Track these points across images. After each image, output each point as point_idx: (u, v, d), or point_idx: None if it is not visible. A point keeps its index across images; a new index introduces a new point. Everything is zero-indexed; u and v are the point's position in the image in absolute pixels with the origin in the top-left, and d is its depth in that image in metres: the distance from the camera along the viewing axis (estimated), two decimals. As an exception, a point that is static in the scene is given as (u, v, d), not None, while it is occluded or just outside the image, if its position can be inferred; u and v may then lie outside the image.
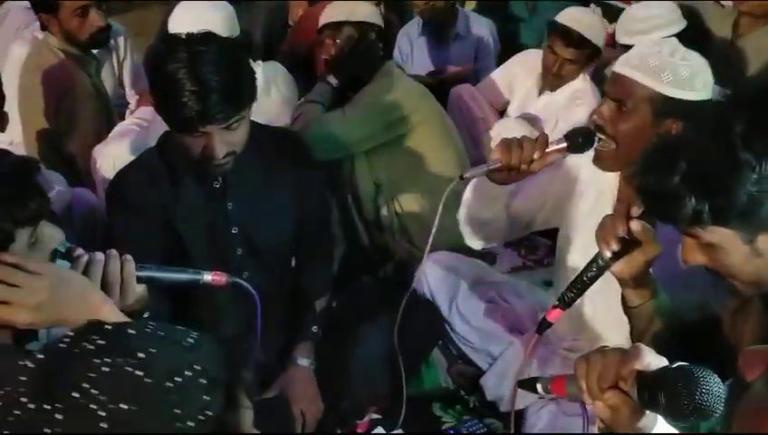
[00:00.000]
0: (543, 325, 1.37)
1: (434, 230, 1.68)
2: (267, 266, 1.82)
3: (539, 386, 1.15)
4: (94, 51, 2.76)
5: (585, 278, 1.34)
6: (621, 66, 1.61)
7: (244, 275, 1.77)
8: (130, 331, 0.78)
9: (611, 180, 1.75)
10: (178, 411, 0.71)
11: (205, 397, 0.73)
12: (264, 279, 1.80)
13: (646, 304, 1.35)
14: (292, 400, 1.83)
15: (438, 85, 3.26)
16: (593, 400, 1.03)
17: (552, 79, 2.94)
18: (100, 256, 1.19)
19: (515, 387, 1.26)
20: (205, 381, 0.74)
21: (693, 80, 1.55)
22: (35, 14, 2.70)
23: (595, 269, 1.33)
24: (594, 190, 1.79)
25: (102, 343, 0.76)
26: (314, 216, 1.95)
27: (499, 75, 3.27)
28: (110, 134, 2.52)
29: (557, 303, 1.35)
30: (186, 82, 1.52)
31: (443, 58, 3.65)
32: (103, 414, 0.70)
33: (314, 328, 1.89)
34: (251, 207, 1.77)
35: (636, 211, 1.28)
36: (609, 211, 1.72)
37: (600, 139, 1.61)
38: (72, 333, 0.81)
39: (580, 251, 1.81)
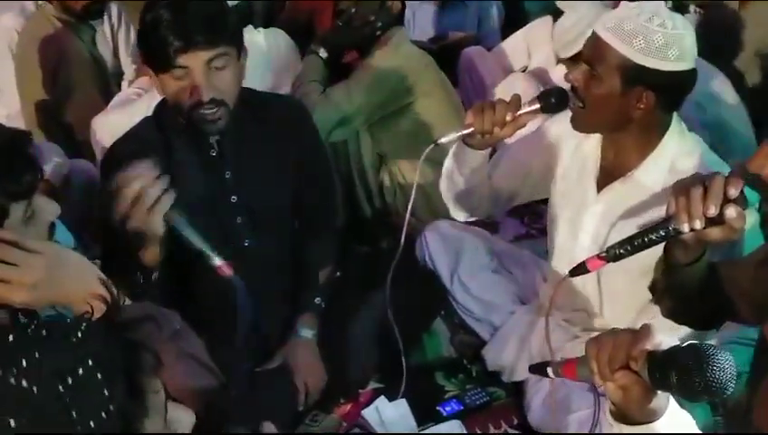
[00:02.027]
0: (580, 270, 1.32)
1: (413, 194, 1.73)
2: (268, 235, 1.81)
3: (549, 370, 1.14)
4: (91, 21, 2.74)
5: (645, 240, 1.24)
6: (599, 27, 1.56)
7: (245, 244, 1.77)
8: (10, 337, 0.72)
9: (594, 149, 1.72)
10: (76, 414, 0.67)
11: (104, 392, 0.69)
12: (266, 248, 1.81)
13: (695, 265, 1.29)
14: (295, 371, 1.84)
15: (440, 51, 3.22)
16: (604, 381, 1.02)
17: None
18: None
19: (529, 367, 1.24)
20: (101, 376, 0.70)
21: (666, 49, 1.50)
22: None
23: (662, 234, 1.23)
24: (578, 160, 1.77)
25: (12, 342, 0.71)
26: (316, 186, 1.93)
27: (519, 39, 3.21)
28: (109, 105, 2.50)
29: (604, 253, 1.28)
30: (167, 16, 1.56)
31: (445, 23, 3.61)
32: None
33: (317, 299, 1.89)
34: (250, 175, 1.75)
35: (734, 191, 1.16)
36: (592, 182, 1.72)
37: (573, 101, 1.58)
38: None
39: (566, 224, 1.80)
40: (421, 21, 3.63)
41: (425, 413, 1.86)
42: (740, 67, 3.03)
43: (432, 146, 1.65)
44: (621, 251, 1.27)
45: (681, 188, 1.20)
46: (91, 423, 0.68)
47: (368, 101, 2.44)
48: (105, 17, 2.90)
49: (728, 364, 0.94)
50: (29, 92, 2.67)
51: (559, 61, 2.81)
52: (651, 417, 1.02)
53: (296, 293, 1.90)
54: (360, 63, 2.50)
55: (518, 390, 1.94)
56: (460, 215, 1.94)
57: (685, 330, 1.64)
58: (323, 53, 2.51)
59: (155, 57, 1.59)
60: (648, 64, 1.51)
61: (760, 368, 1.21)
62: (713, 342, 1.76)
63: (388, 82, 2.44)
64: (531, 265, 2.14)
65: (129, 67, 3.01)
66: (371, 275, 2.09)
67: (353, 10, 2.51)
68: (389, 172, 2.57)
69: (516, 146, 1.91)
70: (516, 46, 3.19)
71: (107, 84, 2.79)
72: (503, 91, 2.79)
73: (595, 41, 1.57)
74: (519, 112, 1.57)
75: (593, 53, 1.57)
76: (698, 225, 1.17)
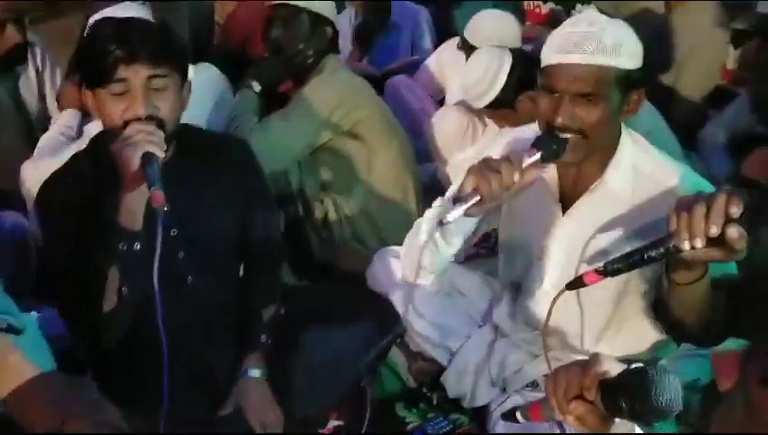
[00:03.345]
0: (576, 284, 1.32)
1: None
2: (211, 272, 1.76)
3: (518, 415, 1.16)
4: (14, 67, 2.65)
5: (645, 257, 1.25)
6: (573, 57, 1.51)
7: (189, 280, 1.71)
8: None
9: (550, 171, 1.69)
10: None
11: None
12: (210, 285, 1.75)
13: (696, 283, 1.30)
14: (248, 412, 1.77)
15: (383, 78, 3.23)
16: (563, 414, 1.04)
17: None
18: None
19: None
20: None
21: (637, 47, 1.55)
22: None
23: (661, 251, 1.23)
24: (533, 187, 1.70)
25: None
26: (259, 222, 1.88)
27: (432, 63, 3.25)
28: (36, 150, 2.40)
29: (601, 268, 1.28)
30: (111, 30, 1.55)
31: (378, 50, 3.62)
32: None
33: (263, 337, 1.84)
34: (190, 210, 1.69)
35: (736, 210, 1.16)
36: (556, 204, 1.69)
37: (566, 137, 1.53)
38: None
39: (530, 248, 1.77)
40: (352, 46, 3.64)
41: (388, 448, 1.83)
42: (671, 74, 3.11)
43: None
44: (619, 266, 1.28)
45: (683, 205, 1.21)
46: None
47: (305, 129, 2.42)
48: (29, 61, 2.82)
49: (673, 386, 0.97)
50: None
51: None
52: None
53: (241, 332, 1.85)
54: (296, 92, 2.48)
55: (481, 414, 1.92)
56: (429, 278, 1.82)
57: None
58: (257, 87, 2.48)
59: (94, 69, 1.55)
60: (636, 66, 1.53)
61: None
62: (671, 357, 1.79)
63: (324, 109, 2.42)
64: (483, 286, 2.13)
65: (55, 112, 2.91)
66: (320, 309, 2.05)
67: (283, 37, 2.49)
68: (334, 202, 2.54)
69: None
70: (432, 69, 3.23)
71: (30, 130, 2.69)
72: (437, 124, 2.83)
73: (577, 70, 1.51)
74: (524, 167, 1.48)
75: (582, 83, 1.51)
76: (699, 244, 1.18)
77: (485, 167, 1.45)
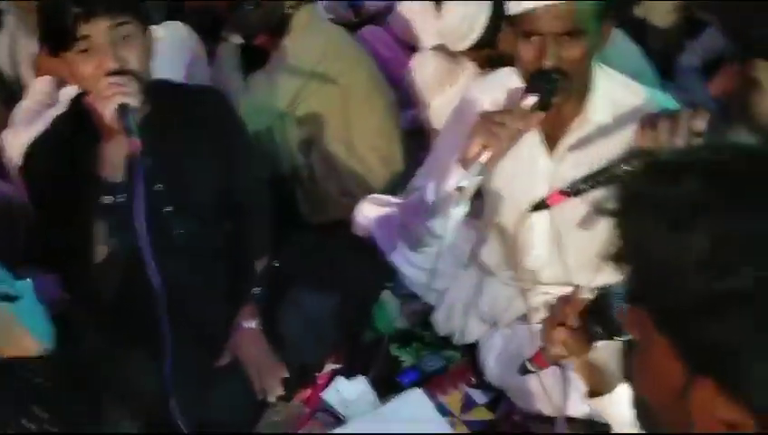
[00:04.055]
0: (540, 206, 1.35)
1: None
2: (199, 225, 1.78)
3: (528, 365, 1.24)
4: None
5: (609, 175, 1.26)
6: None
7: (176, 232, 1.73)
8: None
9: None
10: None
11: None
12: (198, 238, 1.77)
13: None
14: (245, 363, 1.82)
15: (361, 24, 3.18)
16: (550, 344, 1.09)
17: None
18: None
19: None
20: None
21: None
22: None
23: (625, 169, 1.22)
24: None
25: None
26: (244, 173, 1.90)
27: (403, 9, 3.18)
28: (14, 118, 2.39)
29: (568, 189, 1.29)
30: None
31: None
32: None
33: (256, 290, 1.87)
34: (172, 163, 1.70)
35: (701, 124, 1.17)
36: (540, 147, 1.66)
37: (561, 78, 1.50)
38: None
39: (508, 192, 1.77)
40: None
41: (384, 387, 1.86)
42: (642, 7, 3.08)
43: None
44: (584, 187, 1.27)
45: (648, 122, 1.22)
46: None
47: (290, 85, 2.40)
48: (4, 30, 2.78)
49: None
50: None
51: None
52: (605, 386, 1.13)
53: (234, 285, 1.88)
54: (276, 47, 2.45)
55: (471, 350, 1.96)
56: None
57: None
58: (237, 39, 2.45)
59: (56, 33, 1.55)
60: None
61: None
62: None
63: (307, 63, 2.40)
64: (467, 227, 2.14)
65: (31, 78, 2.88)
66: (311, 259, 2.08)
67: None
68: (320, 153, 2.54)
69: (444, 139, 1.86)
70: (401, 22, 3.17)
71: (11, 97, 2.67)
72: (416, 70, 2.79)
73: (558, 8, 1.47)
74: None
75: (566, 20, 1.47)
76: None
77: (490, 123, 1.44)
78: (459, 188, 1.47)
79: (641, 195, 0.73)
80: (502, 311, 1.93)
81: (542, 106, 1.48)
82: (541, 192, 1.67)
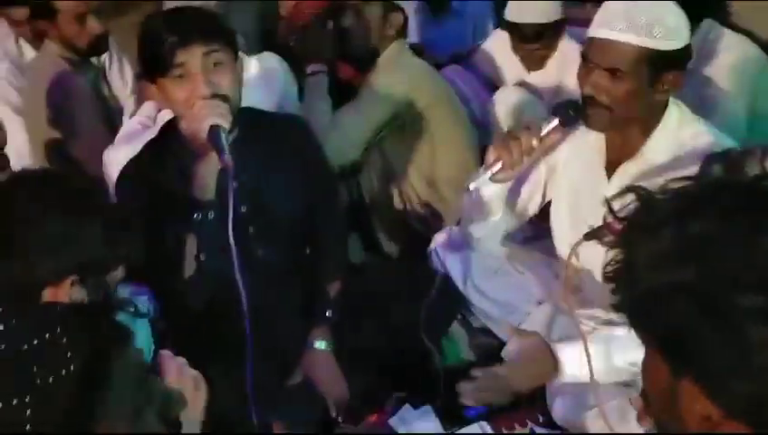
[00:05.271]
0: (596, 234, 1.37)
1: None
2: (280, 247, 1.84)
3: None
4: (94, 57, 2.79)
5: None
6: (605, 31, 1.57)
7: (259, 254, 1.79)
8: None
9: (598, 139, 1.74)
10: (36, 368, 0.78)
11: (67, 353, 0.80)
12: (278, 259, 1.83)
13: None
14: (316, 384, 1.86)
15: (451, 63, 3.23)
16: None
17: (533, 63, 2.88)
18: None
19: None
20: (65, 340, 0.81)
21: (679, 27, 1.56)
22: (33, 22, 2.72)
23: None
24: (583, 152, 1.79)
25: None
26: (324, 199, 1.96)
27: (487, 49, 3.21)
28: (116, 137, 2.54)
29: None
30: (163, 20, 1.67)
31: (440, 37, 3.61)
32: None
33: (328, 312, 1.91)
34: (257, 187, 1.77)
35: None
36: (602, 171, 1.73)
37: (592, 107, 1.60)
38: None
39: (576, 214, 1.81)
40: (414, 32, 3.63)
41: (450, 418, 1.87)
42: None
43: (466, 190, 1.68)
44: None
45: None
46: (50, 378, 0.79)
47: (377, 118, 2.46)
48: (107, 53, 2.96)
49: None
50: (36, 132, 2.71)
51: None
52: None
53: (307, 306, 1.93)
54: (364, 81, 2.52)
55: (542, 388, 1.95)
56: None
57: None
58: (320, 68, 2.52)
59: (153, 60, 1.64)
60: (671, 47, 1.55)
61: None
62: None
63: (394, 95, 2.45)
64: (541, 265, 2.15)
65: (128, 100, 3.06)
66: (385, 286, 2.11)
67: (353, 27, 2.52)
68: (399, 186, 2.59)
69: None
70: (489, 55, 3.19)
71: (112, 119, 2.82)
72: (499, 102, 2.82)
73: (608, 45, 1.57)
74: (543, 133, 1.59)
75: (611, 57, 1.57)
76: None
77: (507, 136, 1.57)
78: (468, 189, 1.66)
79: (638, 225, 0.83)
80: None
81: (563, 126, 1.61)
82: (599, 215, 1.71)
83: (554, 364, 1.69)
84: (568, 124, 1.61)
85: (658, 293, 0.77)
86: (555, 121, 1.59)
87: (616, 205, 1.57)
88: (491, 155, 1.59)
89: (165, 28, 1.62)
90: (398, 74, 2.48)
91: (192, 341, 1.73)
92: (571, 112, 1.60)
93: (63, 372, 0.79)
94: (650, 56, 1.55)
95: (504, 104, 2.80)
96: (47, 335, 0.81)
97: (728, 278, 0.73)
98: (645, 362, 0.85)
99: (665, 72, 1.58)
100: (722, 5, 2.67)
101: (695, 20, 2.16)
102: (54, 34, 2.64)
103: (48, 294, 1.10)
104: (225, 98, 1.63)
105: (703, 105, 2.10)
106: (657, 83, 1.59)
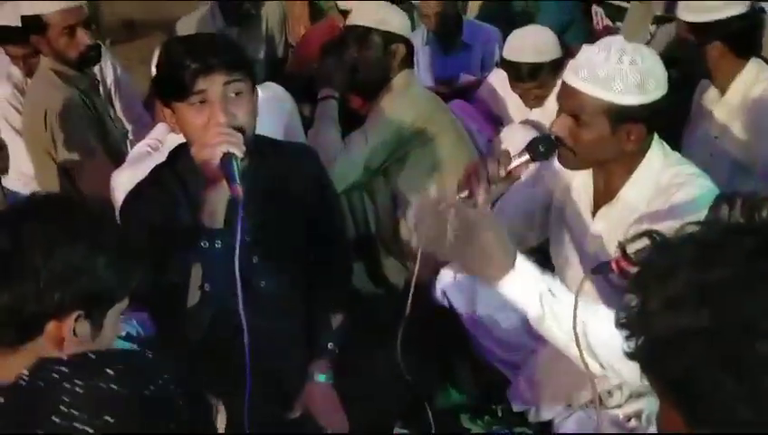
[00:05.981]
0: (601, 269, 1.36)
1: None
2: (284, 277, 1.82)
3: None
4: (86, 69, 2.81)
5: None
6: (571, 77, 1.60)
7: (262, 284, 1.77)
8: (90, 355, 0.87)
9: (586, 177, 1.77)
10: (160, 415, 0.80)
11: (179, 402, 0.82)
12: (281, 290, 1.81)
13: None
14: (316, 416, 1.83)
15: (451, 96, 3.24)
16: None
17: (531, 101, 2.88)
18: None
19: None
20: (173, 387, 0.83)
21: (644, 84, 1.55)
22: (27, 39, 2.75)
23: None
24: (574, 188, 1.81)
25: (65, 370, 0.85)
26: (329, 231, 1.94)
27: (491, 85, 3.22)
28: (126, 160, 2.53)
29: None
30: (184, 46, 1.64)
31: (449, 68, 3.63)
32: (89, 430, 0.78)
33: (330, 345, 1.89)
34: (262, 217, 1.74)
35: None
36: (588, 208, 1.75)
37: (560, 147, 1.63)
38: (26, 372, 0.89)
39: (570, 248, 1.82)
40: (424, 65, 3.66)
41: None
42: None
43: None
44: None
45: None
46: (171, 425, 0.82)
47: (384, 146, 2.46)
48: (100, 69, 2.99)
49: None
50: (39, 153, 2.73)
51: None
52: None
53: (309, 338, 1.90)
54: (371, 110, 2.52)
55: (545, 429, 1.91)
56: None
57: None
58: (335, 93, 2.53)
59: (172, 85, 1.62)
60: (631, 102, 1.55)
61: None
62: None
63: (401, 124, 2.46)
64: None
65: (122, 112, 3.08)
66: (388, 319, 2.08)
67: (356, 58, 2.53)
68: (404, 214, 2.57)
69: (516, 190, 1.94)
70: (489, 95, 3.20)
71: (105, 131, 2.83)
72: (505, 138, 2.82)
73: (571, 91, 1.60)
74: (510, 166, 1.61)
75: (573, 104, 1.60)
76: None
77: (476, 166, 1.61)
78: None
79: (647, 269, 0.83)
80: (576, 391, 1.87)
81: (532, 160, 1.64)
82: (584, 251, 1.78)
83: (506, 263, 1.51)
84: (537, 159, 1.64)
85: (673, 339, 0.76)
86: (526, 156, 1.62)
87: (630, 247, 1.58)
88: (459, 181, 1.63)
89: (187, 54, 1.59)
90: (405, 102, 2.49)
91: (190, 370, 1.71)
92: (542, 148, 1.62)
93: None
94: (609, 109, 1.56)
95: (511, 142, 2.80)
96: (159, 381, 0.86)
97: (746, 325, 0.72)
98: (659, 415, 0.85)
99: (624, 124, 1.58)
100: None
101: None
102: (46, 49, 2.69)
103: (51, 327, 1.05)
104: (241, 129, 1.61)
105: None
106: (618, 133, 1.59)
